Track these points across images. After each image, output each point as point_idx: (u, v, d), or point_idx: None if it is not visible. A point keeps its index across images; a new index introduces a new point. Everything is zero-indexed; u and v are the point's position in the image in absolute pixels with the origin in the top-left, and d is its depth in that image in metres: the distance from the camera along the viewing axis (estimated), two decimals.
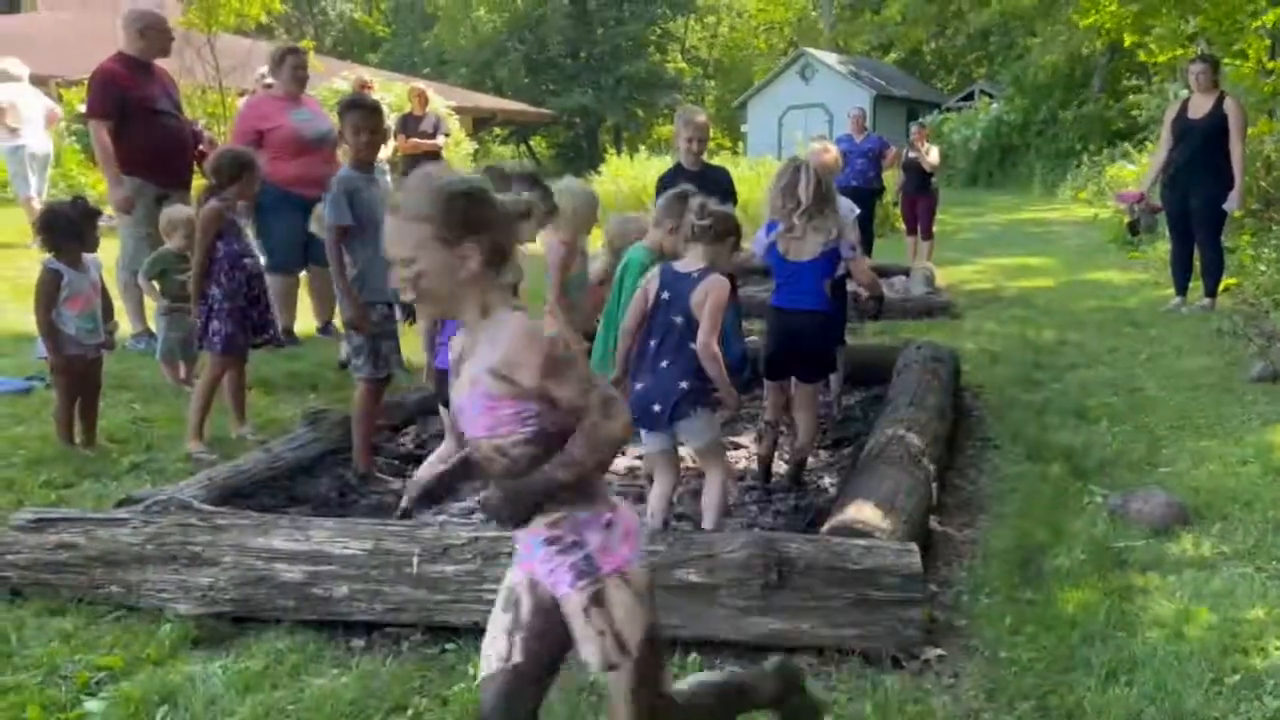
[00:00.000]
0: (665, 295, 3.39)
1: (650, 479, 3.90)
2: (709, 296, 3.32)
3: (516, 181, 3.70)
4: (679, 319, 3.36)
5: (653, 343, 3.40)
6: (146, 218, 6.08)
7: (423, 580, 2.84)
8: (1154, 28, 10.49)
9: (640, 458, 4.11)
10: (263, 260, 6.59)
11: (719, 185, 4.91)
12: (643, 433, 3.45)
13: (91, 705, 2.51)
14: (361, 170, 4.12)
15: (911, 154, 10.61)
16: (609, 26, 39.70)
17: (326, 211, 4.05)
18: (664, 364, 3.35)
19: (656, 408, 3.32)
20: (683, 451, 3.65)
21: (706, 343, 3.30)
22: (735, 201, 5.06)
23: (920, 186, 10.77)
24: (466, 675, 2.63)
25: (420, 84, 12.94)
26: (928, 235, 10.90)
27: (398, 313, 4.34)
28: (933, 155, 10.60)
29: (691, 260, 3.47)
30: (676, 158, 5.50)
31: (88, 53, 9.13)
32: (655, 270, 3.53)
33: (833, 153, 5.41)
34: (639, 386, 3.38)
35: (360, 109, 4.21)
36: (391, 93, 13.94)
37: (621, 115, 39.99)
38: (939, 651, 2.74)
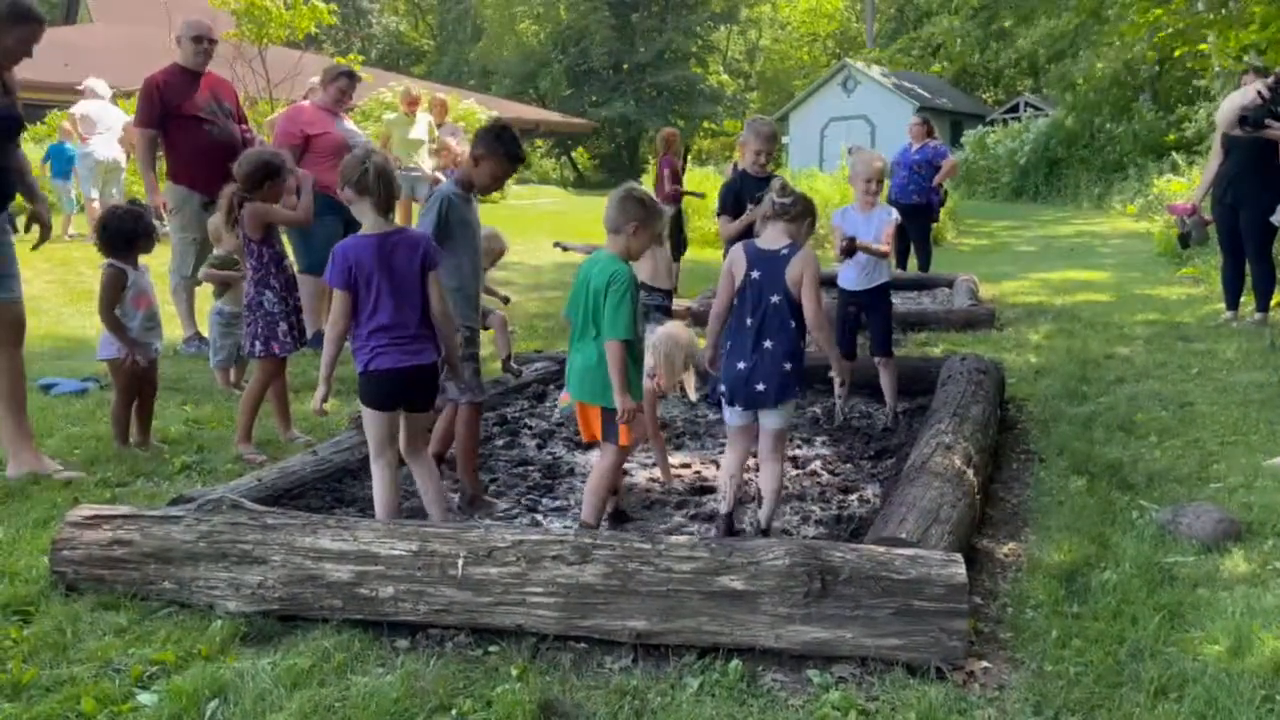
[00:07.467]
0: (756, 274, 3.38)
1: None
2: (806, 271, 3.32)
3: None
4: (776, 298, 3.34)
5: (750, 322, 3.38)
6: (193, 223, 6.22)
7: (467, 582, 2.86)
8: (1205, 37, 10.35)
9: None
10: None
11: None
12: (726, 408, 3.50)
13: (144, 698, 2.55)
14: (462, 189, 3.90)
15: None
16: (650, 38, 39.85)
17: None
18: (767, 344, 3.35)
19: (761, 387, 3.34)
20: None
21: (816, 312, 3.32)
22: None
23: None
24: (510, 677, 2.64)
25: (442, 93, 13.17)
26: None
27: None
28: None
29: (774, 237, 3.46)
30: (741, 165, 5.63)
31: (138, 64, 9.38)
32: (738, 250, 3.50)
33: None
34: (740, 365, 3.38)
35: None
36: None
37: (661, 126, 40.09)
38: (984, 664, 2.71)
